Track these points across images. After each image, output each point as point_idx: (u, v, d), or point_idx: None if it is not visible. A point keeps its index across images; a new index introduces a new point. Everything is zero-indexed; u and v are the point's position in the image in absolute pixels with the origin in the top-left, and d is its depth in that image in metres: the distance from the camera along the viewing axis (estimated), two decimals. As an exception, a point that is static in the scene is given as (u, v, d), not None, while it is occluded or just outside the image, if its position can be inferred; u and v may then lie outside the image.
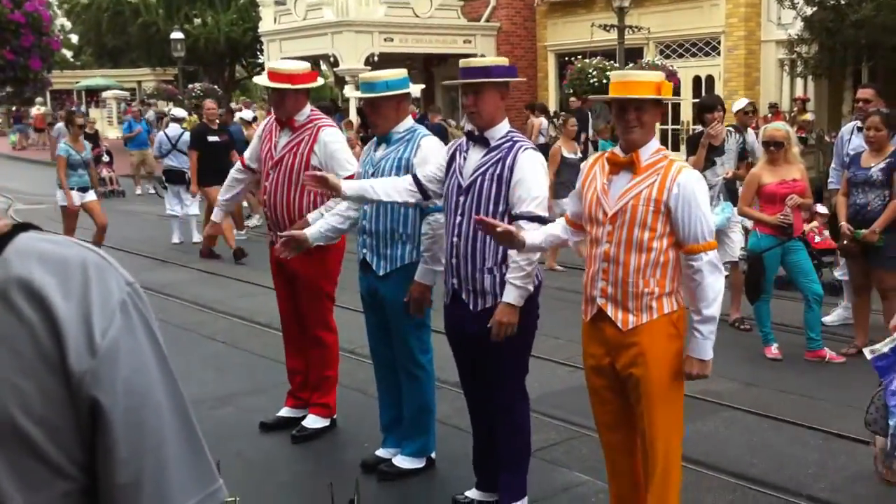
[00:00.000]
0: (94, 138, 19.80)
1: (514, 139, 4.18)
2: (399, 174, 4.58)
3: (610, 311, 3.68)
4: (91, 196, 11.16)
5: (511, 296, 4.02)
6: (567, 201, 3.99)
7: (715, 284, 3.62)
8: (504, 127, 4.21)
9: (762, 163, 7.19)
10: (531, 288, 4.07)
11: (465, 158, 4.21)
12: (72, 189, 10.98)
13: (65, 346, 1.12)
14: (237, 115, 16.68)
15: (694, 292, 3.62)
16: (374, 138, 4.96)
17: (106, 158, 20.19)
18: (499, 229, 3.75)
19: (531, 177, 4.07)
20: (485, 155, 4.14)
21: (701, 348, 3.63)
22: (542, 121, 19.73)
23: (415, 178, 4.38)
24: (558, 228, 3.99)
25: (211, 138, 12.09)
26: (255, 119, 16.27)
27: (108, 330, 1.14)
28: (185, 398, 1.23)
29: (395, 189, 4.35)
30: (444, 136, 14.88)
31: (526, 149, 4.13)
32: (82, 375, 1.12)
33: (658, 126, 13.20)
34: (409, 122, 4.83)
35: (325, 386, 5.67)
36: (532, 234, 3.89)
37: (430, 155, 4.56)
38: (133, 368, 1.17)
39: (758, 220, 7.15)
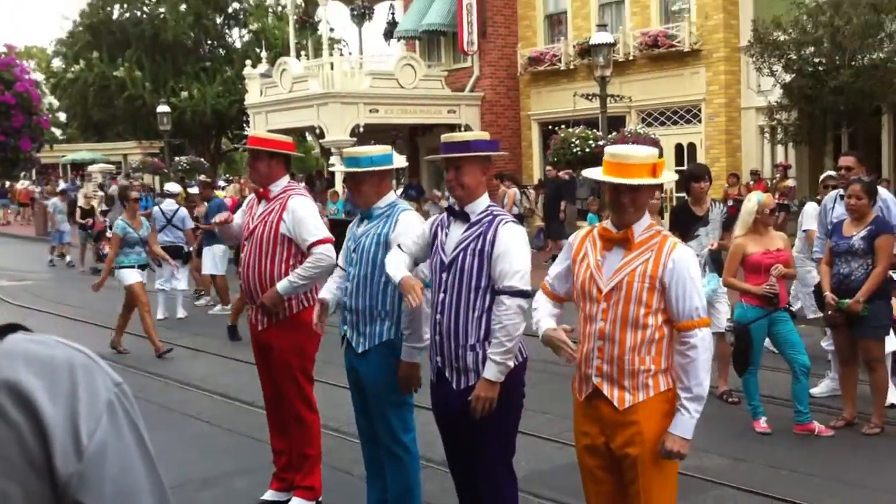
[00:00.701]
0: (91, 213, 19.77)
1: (495, 213, 4.17)
2: (378, 249, 4.61)
3: (606, 389, 3.65)
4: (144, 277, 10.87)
5: (490, 371, 3.98)
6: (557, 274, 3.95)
7: (707, 362, 3.61)
8: (484, 201, 4.21)
9: (745, 233, 7.17)
10: (511, 364, 4.02)
11: (446, 234, 4.20)
12: (131, 267, 10.57)
13: (52, 449, 1.11)
14: (166, 187, 15.68)
15: (686, 369, 3.58)
16: (359, 214, 4.97)
17: (109, 234, 19.91)
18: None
19: (513, 250, 4.04)
20: (466, 230, 4.13)
21: (687, 426, 3.58)
22: (516, 191, 19.91)
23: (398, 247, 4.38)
24: (550, 308, 3.93)
25: None
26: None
27: (95, 432, 1.14)
28: (171, 499, 1.22)
29: (397, 264, 4.33)
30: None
31: (506, 222, 4.12)
32: (69, 479, 1.12)
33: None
34: (390, 197, 4.85)
35: (306, 466, 5.60)
36: (546, 323, 3.82)
37: (408, 227, 4.56)
38: (120, 470, 1.16)
39: (743, 290, 7.13)
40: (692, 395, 3.57)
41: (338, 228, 9.74)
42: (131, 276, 10.61)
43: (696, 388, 3.57)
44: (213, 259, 14.03)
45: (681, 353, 3.60)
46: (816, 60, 15.97)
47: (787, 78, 16.48)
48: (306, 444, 5.58)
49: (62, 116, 48.16)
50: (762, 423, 7.02)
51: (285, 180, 5.53)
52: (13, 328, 1.19)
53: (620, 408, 3.62)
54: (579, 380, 3.78)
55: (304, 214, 5.32)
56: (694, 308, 3.57)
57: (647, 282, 3.56)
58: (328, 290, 5.02)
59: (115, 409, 1.17)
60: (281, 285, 5.26)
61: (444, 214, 4.32)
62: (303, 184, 24.29)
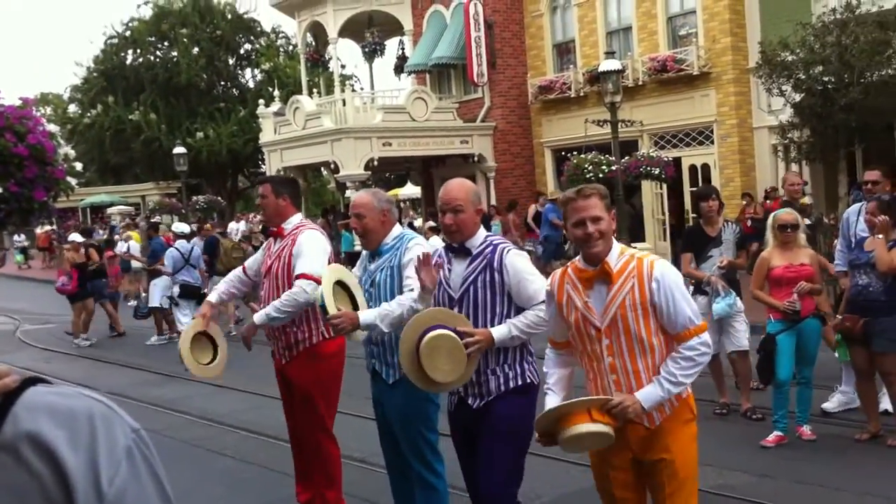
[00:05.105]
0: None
1: (494, 243, 4.26)
2: (394, 282, 4.68)
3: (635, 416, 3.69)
4: None
5: (499, 333, 4.08)
6: None
7: (705, 364, 3.68)
8: (481, 234, 4.29)
9: (772, 247, 7.25)
10: (518, 341, 4.14)
11: (449, 270, 4.27)
12: None
13: (74, 496, 1.16)
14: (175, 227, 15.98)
15: (682, 365, 3.58)
16: (366, 252, 5.02)
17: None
18: None
19: (524, 274, 4.15)
20: (470, 264, 4.21)
21: (653, 399, 3.56)
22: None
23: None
24: (560, 372, 3.93)
25: None
26: (192, 233, 16.30)
27: (115, 478, 1.19)
28: None
29: (399, 305, 4.43)
30: (216, 248, 15.55)
31: (509, 250, 4.21)
32: None
33: (662, 219, 13.55)
34: (396, 230, 4.89)
35: (330, 498, 5.63)
36: (551, 402, 3.75)
37: (415, 248, 4.62)
38: None
39: (767, 304, 7.19)
40: (675, 382, 3.56)
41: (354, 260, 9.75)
42: None
43: (682, 380, 3.57)
44: (160, 292, 14.99)
45: (683, 356, 3.59)
46: (825, 79, 15.98)
47: (797, 97, 16.50)
48: (328, 475, 5.62)
49: (79, 165, 48.58)
50: (770, 438, 7.04)
51: (297, 217, 5.66)
52: (34, 381, 1.24)
53: (652, 427, 3.66)
54: None
55: (305, 248, 5.41)
56: (687, 318, 3.58)
57: (640, 309, 3.57)
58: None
59: (134, 455, 1.23)
60: (257, 316, 5.31)
61: (442, 250, 4.39)
62: (320, 219, 24.51)
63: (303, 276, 5.26)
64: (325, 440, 5.61)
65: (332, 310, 4.56)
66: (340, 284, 4.81)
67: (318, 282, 5.15)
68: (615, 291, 3.59)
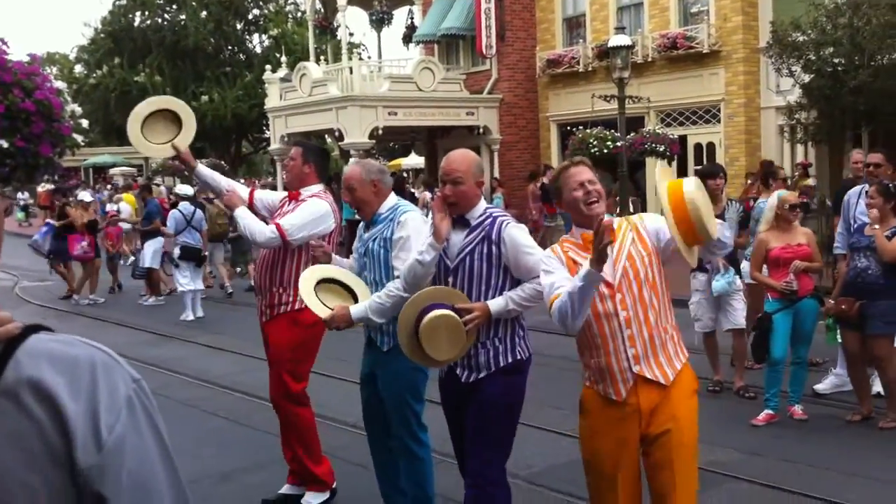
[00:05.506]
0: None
1: (494, 215, 4.23)
2: (386, 253, 4.67)
3: (648, 373, 3.67)
4: None
5: (496, 305, 4.09)
6: None
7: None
8: (481, 205, 4.26)
9: (769, 228, 7.24)
10: (514, 313, 4.15)
11: (447, 240, 4.23)
12: None
13: (73, 442, 1.16)
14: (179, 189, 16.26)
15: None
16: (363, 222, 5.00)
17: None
18: None
19: (523, 247, 4.12)
20: (468, 235, 4.19)
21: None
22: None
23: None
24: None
25: None
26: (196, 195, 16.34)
27: (115, 426, 1.19)
28: (187, 492, 1.27)
29: (388, 297, 4.41)
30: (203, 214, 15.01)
31: (508, 223, 4.18)
32: (89, 471, 1.16)
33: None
34: (391, 200, 4.87)
35: (309, 460, 5.65)
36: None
37: (412, 235, 4.58)
38: (138, 463, 1.21)
39: (765, 285, 7.22)
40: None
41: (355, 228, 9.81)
42: None
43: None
44: (153, 254, 15.08)
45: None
46: (836, 61, 15.87)
47: (807, 78, 16.40)
48: (300, 439, 5.64)
49: (85, 123, 48.49)
50: (761, 416, 7.06)
51: (316, 187, 5.64)
52: (36, 328, 1.24)
53: (667, 383, 3.68)
54: (612, 383, 3.73)
55: (299, 208, 5.45)
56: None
57: (647, 257, 3.69)
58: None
59: (134, 405, 1.22)
60: (237, 210, 5.51)
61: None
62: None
63: (275, 223, 5.38)
64: (287, 403, 5.62)
65: (321, 313, 4.61)
66: (331, 281, 4.80)
67: (284, 237, 5.30)
68: (619, 246, 3.68)
